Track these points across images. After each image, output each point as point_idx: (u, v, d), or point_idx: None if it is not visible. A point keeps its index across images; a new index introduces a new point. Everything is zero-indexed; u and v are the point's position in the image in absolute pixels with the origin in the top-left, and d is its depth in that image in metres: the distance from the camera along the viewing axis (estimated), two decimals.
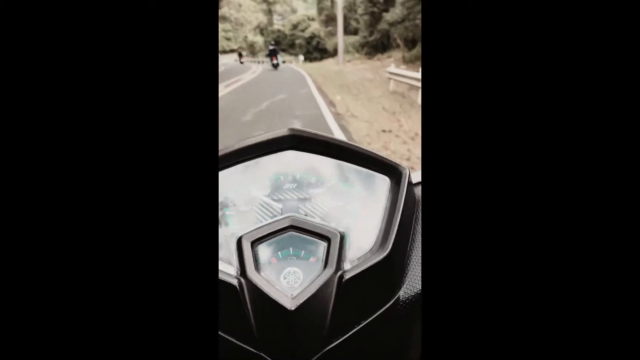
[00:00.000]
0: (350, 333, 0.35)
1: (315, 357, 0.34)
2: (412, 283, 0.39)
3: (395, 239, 0.37)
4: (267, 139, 0.47)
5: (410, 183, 0.44)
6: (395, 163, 0.45)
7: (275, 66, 17.63)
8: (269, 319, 0.34)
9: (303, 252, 0.38)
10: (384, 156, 0.46)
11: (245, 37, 50.79)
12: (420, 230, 0.43)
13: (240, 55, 31.54)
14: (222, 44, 52.25)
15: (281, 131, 0.47)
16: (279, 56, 18.16)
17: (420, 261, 0.41)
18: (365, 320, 0.36)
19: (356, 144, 0.46)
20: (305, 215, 0.42)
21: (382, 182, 0.46)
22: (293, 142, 0.47)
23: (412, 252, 0.42)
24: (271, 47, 18.30)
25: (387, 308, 0.37)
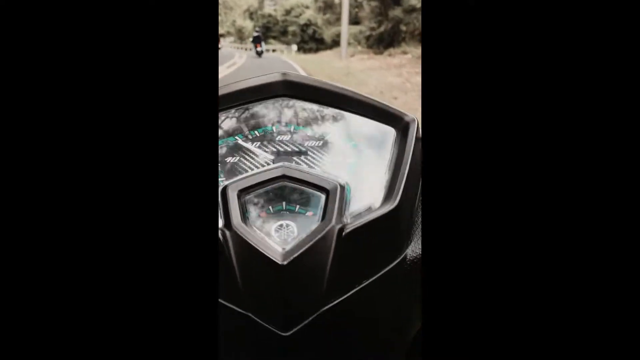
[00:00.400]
0: (349, 293, 0.32)
1: (309, 319, 0.31)
2: (420, 242, 0.36)
3: (402, 191, 0.34)
4: (257, 84, 0.42)
5: (418, 134, 0.40)
6: (402, 112, 0.41)
7: (260, 54, 16.77)
8: (258, 274, 0.30)
9: (298, 206, 0.34)
10: (389, 105, 0.42)
11: (234, 21, 45.99)
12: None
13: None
14: None
15: (273, 76, 0.42)
16: (263, 43, 17.37)
17: None
18: (368, 279, 0.33)
19: (357, 92, 0.41)
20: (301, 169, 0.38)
21: (388, 134, 0.41)
22: (286, 89, 0.42)
23: (420, 208, 0.38)
24: (255, 34, 17.40)
25: (392, 267, 0.34)
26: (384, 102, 0.42)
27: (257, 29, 20.82)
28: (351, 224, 0.32)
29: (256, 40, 17.29)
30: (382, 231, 0.33)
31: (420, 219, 0.38)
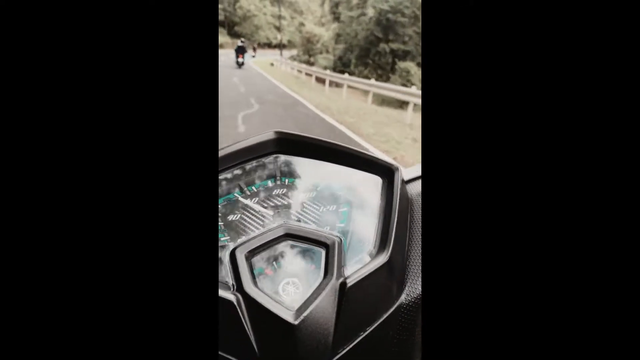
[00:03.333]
0: (355, 342, 0.34)
1: None
2: (414, 285, 0.38)
3: (394, 241, 0.37)
4: (252, 143, 0.45)
5: (402, 182, 0.43)
6: (387, 162, 0.44)
7: (240, 65, 17.11)
8: (272, 334, 0.32)
9: (299, 258, 0.37)
10: (376, 156, 0.44)
11: (301, 24, 48.75)
12: (416, 229, 0.42)
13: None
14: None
15: (266, 134, 0.45)
16: (246, 55, 17.64)
17: (419, 262, 0.40)
18: (370, 327, 0.35)
19: (344, 145, 0.44)
20: (298, 220, 0.41)
21: (375, 183, 0.44)
22: (279, 146, 0.45)
23: (410, 254, 0.41)
24: (240, 44, 17.75)
25: (391, 312, 0.36)
26: (370, 153, 0.44)
27: (242, 39, 20.86)
28: (351, 277, 0.34)
29: (239, 51, 17.02)
30: (380, 281, 0.35)
31: (410, 264, 0.40)
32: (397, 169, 0.43)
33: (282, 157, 0.46)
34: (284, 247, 0.37)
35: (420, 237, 0.41)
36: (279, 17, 43.93)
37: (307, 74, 15.41)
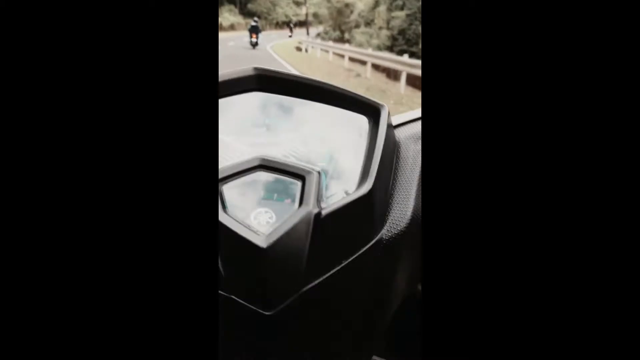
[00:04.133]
0: (329, 273, 0.33)
1: (291, 299, 0.32)
2: (395, 221, 0.38)
3: (376, 175, 0.36)
4: (230, 78, 0.41)
5: (390, 123, 0.42)
6: (373, 101, 0.42)
7: (254, 45, 16.28)
8: (239, 258, 0.31)
9: (275, 194, 0.35)
10: (361, 95, 0.43)
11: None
12: (402, 172, 0.42)
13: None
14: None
15: (245, 70, 0.42)
16: (260, 35, 16.87)
17: (404, 199, 0.40)
18: (346, 259, 0.34)
19: (329, 83, 0.42)
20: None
21: (360, 123, 0.43)
22: (259, 83, 0.42)
23: (394, 191, 0.40)
24: (253, 23, 16.92)
25: (369, 247, 0.36)
26: (356, 92, 0.42)
27: (255, 18, 20.00)
28: (328, 207, 0.33)
29: (253, 30, 16.39)
30: (357, 214, 0.34)
31: (393, 200, 0.39)
32: (383, 107, 0.42)
33: (264, 95, 0.43)
34: (257, 176, 0.35)
35: (408, 179, 0.40)
36: None
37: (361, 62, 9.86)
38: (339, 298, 0.35)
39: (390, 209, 0.39)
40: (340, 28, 26.47)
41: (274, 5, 40.87)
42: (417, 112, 0.52)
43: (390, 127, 0.42)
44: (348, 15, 25.75)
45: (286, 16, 42.08)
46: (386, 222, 0.38)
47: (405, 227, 0.38)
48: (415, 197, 0.40)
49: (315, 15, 31.11)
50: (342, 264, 0.34)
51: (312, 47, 16.38)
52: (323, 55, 14.29)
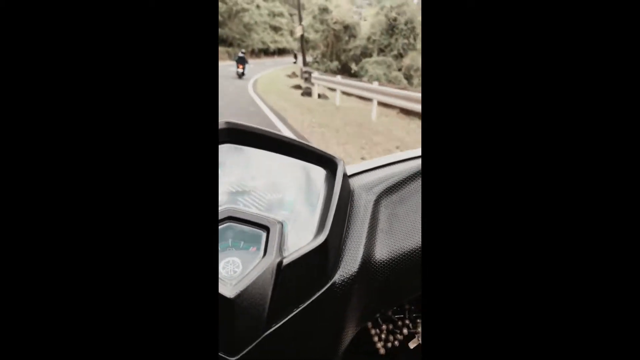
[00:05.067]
0: (289, 317, 0.36)
1: (254, 343, 0.34)
2: (347, 266, 0.41)
3: (331, 226, 0.39)
4: None
5: (345, 174, 0.45)
6: (331, 155, 0.47)
7: (240, 75, 16.39)
8: None
9: (242, 242, 0.38)
10: (319, 149, 0.47)
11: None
12: (355, 218, 0.46)
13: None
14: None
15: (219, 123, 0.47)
16: (246, 65, 17.16)
17: (355, 245, 0.43)
18: (304, 303, 0.37)
19: (292, 138, 0.47)
20: (245, 207, 0.43)
21: (318, 174, 0.47)
22: (229, 136, 0.46)
23: (347, 239, 0.44)
24: (240, 54, 17.38)
25: (323, 291, 0.39)
26: (315, 147, 0.47)
27: (242, 50, 21.28)
28: (289, 257, 0.36)
29: (239, 61, 16.96)
30: (314, 262, 0.37)
31: (346, 247, 0.43)
32: (340, 161, 0.46)
33: (232, 146, 0.47)
34: (226, 229, 0.39)
35: (359, 227, 0.44)
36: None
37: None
38: (297, 338, 0.38)
39: (343, 256, 0.42)
40: (337, 56, 21.09)
41: (249, 30, 35.09)
42: (371, 163, 0.55)
43: (346, 177, 0.46)
44: (347, 41, 20.45)
45: (263, 43, 36.46)
46: (339, 267, 0.41)
47: (356, 271, 0.41)
48: (365, 243, 0.42)
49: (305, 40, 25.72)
50: (300, 308, 0.37)
51: (318, 84, 10.47)
52: (343, 101, 8.47)
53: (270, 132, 0.46)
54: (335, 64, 20.15)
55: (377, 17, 18.08)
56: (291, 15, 40.00)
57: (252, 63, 25.23)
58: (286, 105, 8.50)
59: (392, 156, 0.57)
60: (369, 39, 18.43)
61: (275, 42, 38.43)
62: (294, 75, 19.03)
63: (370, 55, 18.05)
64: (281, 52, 39.10)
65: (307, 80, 14.33)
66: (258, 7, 34.87)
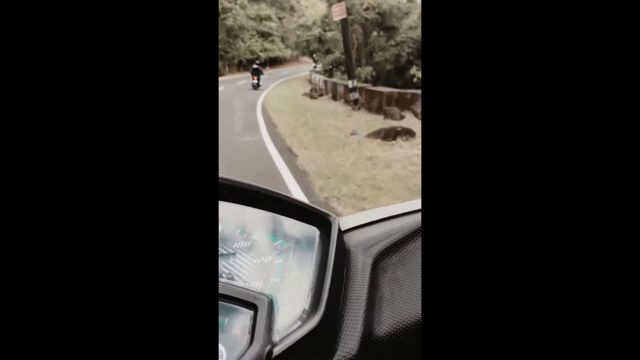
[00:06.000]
0: None
1: None
2: (346, 347, 0.37)
3: (327, 300, 0.36)
4: None
5: (340, 232, 0.42)
6: (324, 212, 0.43)
7: (256, 87, 16.35)
8: None
9: (227, 319, 0.34)
10: (312, 205, 0.43)
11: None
12: (353, 283, 0.41)
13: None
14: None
15: None
16: (261, 76, 16.96)
17: (354, 320, 0.39)
18: None
19: (283, 193, 0.43)
20: (229, 274, 0.39)
21: (311, 234, 0.43)
22: (219, 192, 0.42)
23: (344, 313, 0.39)
24: (255, 66, 17.33)
25: None
26: (308, 203, 0.43)
27: (257, 61, 20.20)
28: (280, 343, 0.32)
29: (254, 73, 16.55)
30: (310, 346, 0.33)
31: (344, 323, 0.38)
32: (334, 219, 0.42)
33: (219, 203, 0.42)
34: None
35: (357, 296, 0.40)
36: None
37: None
38: None
39: (341, 334, 0.37)
40: (371, 58, 14.58)
41: (234, 37, 28.31)
42: (367, 215, 0.49)
43: (341, 237, 0.42)
44: (388, 35, 13.94)
45: (251, 52, 29.72)
46: (336, 349, 0.36)
47: (355, 352, 0.36)
48: (364, 317, 0.38)
49: (306, 43, 19.00)
50: None
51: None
52: None
53: (259, 187, 0.42)
54: (368, 70, 13.55)
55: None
56: (280, 19, 33.48)
57: (239, 78, 20.12)
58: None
59: (390, 208, 0.49)
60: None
61: (266, 50, 31.58)
62: (314, 92, 12.67)
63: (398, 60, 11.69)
64: (273, 62, 32.31)
65: (355, 103, 8.07)
66: (243, 7, 28.05)
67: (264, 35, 31.45)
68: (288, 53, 32.97)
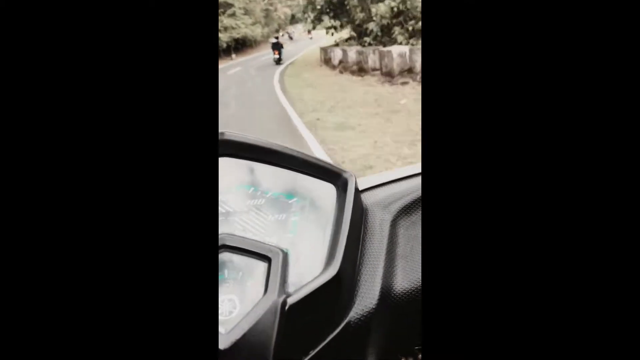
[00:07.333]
0: None
1: None
2: (364, 302, 0.37)
3: (343, 254, 0.35)
4: None
5: (357, 190, 0.41)
6: (340, 169, 0.42)
7: (277, 61, 16.76)
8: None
9: (240, 273, 0.34)
10: (329, 162, 0.43)
11: None
12: (370, 241, 0.42)
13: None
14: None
15: None
16: (282, 50, 17.23)
17: (372, 275, 0.39)
18: (314, 349, 0.33)
19: (296, 150, 0.42)
20: (243, 230, 0.38)
21: (327, 191, 0.42)
22: (226, 149, 0.41)
23: (362, 267, 0.39)
24: (274, 40, 17.56)
25: (337, 333, 0.35)
26: (324, 160, 0.42)
27: (276, 35, 20.61)
28: (294, 294, 0.32)
29: (275, 47, 16.90)
30: (326, 298, 0.33)
31: (361, 278, 0.38)
32: (351, 176, 0.41)
33: (229, 160, 0.42)
34: (221, 259, 0.34)
35: (375, 253, 0.40)
36: None
37: None
38: None
39: (358, 289, 0.37)
40: (387, 32, 11.45)
41: (230, 15, 24.68)
42: (385, 175, 0.49)
43: (358, 194, 0.42)
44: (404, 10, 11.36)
45: (252, 33, 25.22)
46: (354, 303, 0.36)
47: (374, 307, 0.36)
48: (383, 272, 0.38)
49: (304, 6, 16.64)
50: (310, 355, 0.32)
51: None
52: None
53: (272, 144, 0.41)
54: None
55: None
56: None
57: (237, 63, 18.45)
58: None
59: (409, 168, 0.49)
60: None
61: (226, 29, 25.10)
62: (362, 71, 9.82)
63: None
64: (240, 45, 27.01)
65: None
66: None
67: (220, 5, 23.94)
68: (258, 32, 27.73)
